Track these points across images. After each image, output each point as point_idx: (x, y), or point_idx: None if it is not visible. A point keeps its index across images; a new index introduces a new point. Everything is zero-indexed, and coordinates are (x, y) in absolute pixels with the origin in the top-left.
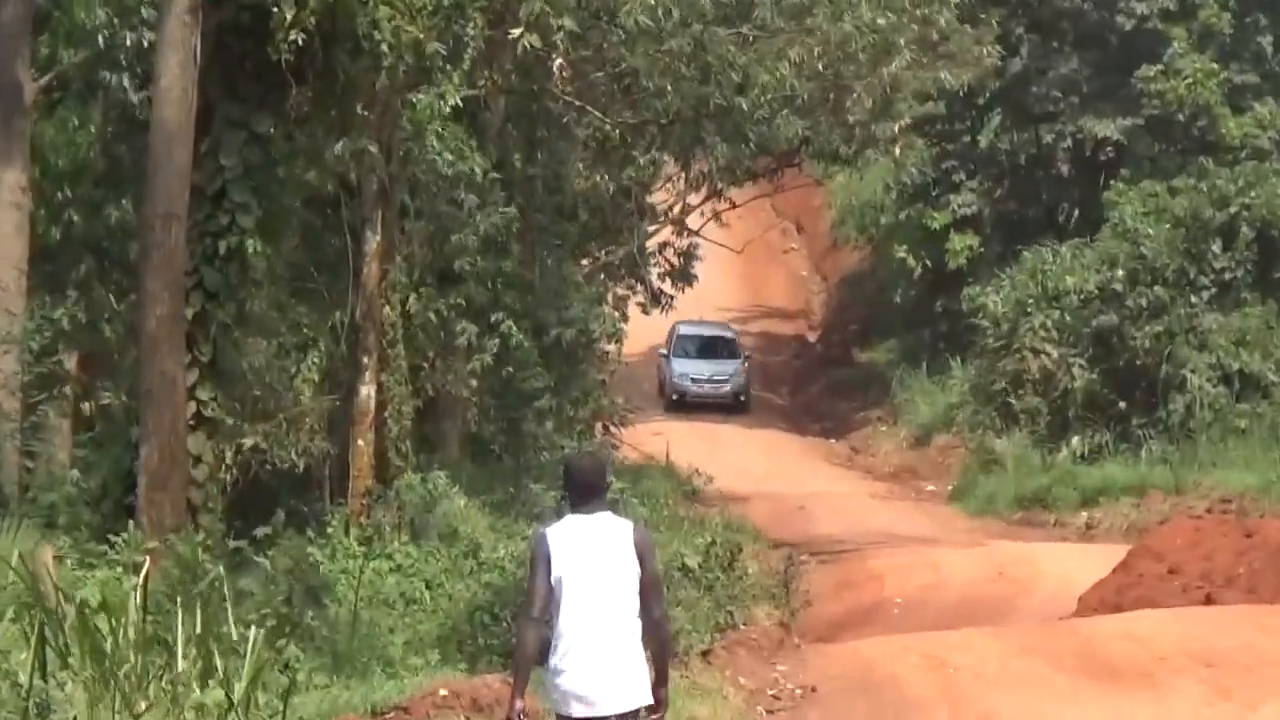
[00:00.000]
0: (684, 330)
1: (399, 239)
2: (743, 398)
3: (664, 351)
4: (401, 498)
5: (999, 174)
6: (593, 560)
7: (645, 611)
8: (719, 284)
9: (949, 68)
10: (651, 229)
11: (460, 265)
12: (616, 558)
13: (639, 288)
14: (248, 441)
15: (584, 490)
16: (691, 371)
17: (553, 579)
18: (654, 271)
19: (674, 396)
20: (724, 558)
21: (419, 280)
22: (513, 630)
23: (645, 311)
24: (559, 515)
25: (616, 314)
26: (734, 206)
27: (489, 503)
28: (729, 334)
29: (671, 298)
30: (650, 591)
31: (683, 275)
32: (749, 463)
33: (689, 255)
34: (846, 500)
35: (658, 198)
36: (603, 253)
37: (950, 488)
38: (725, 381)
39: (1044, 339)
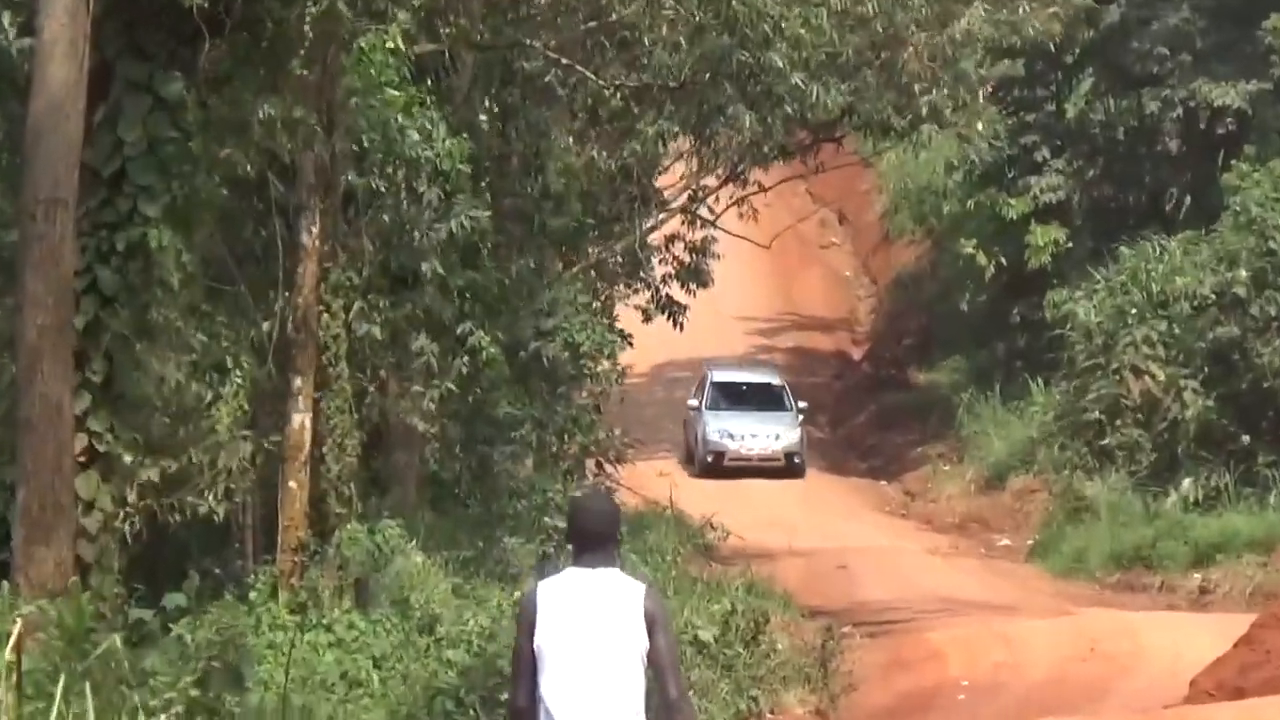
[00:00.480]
0: (719, 377)
1: (343, 232)
2: (798, 459)
3: (693, 404)
4: (343, 554)
5: (1091, 151)
6: (587, 626)
7: (661, 693)
8: (741, 287)
9: (1030, 10)
10: (659, 218)
11: (419, 267)
12: (618, 626)
13: (639, 289)
14: (152, 483)
15: (589, 539)
16: (731, 427)
17: (535, 645)
18: (658, 271)
19: (708, 459)
20: (747, 630)
21: (366, 284)
22: None
23: (646, 319)
24: (541, 574)
25: (608, 322)
26: (762, 191)
27: (452, 561)
28: (777, 380)
29: (684, 307)
30: (666, 669)
31: (695, 275)
32: (778, 511)
33: (702, 250)
34: (900, 558)
35: (664, 181)
36: (596, 250)
37: (1029, 542)
38: (774, 439)
39: (1148, 356)
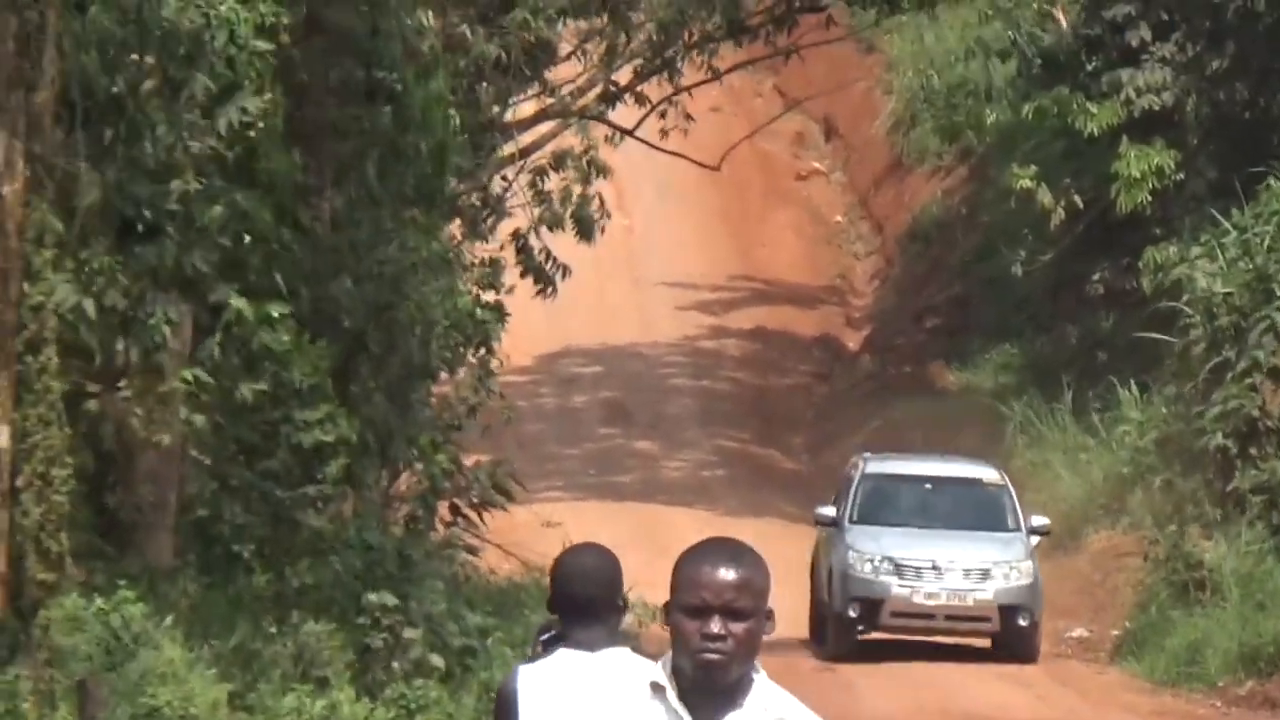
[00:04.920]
0: (876, 467)
1: (54, 150)
2: (1024, 620)
3: (825, 514)
4: (53, 641)
5: (1215, 30)
6: None
7: None
8: (673, 239)
9: None
10: (540, 130)
11: (161, 202)
12: None
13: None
14: None
15: (580, 608)
16: (901, 554)
17: None
18: (533, 212)
19: (850, 614)
20: None
21: (88, 230)
22: None
23: (510, 289)
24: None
25: (478, 294)
26: (717, 77)
27: (226, 654)
28: (992, 475)
29: (560, 267)
30: None
31: (581, 224)
32: None
33: (589, 169)
34: (918, 656)
35: (558, 75)
36: (454, 181)
37: (1117, 633)
38: (980, 579)
39: None
